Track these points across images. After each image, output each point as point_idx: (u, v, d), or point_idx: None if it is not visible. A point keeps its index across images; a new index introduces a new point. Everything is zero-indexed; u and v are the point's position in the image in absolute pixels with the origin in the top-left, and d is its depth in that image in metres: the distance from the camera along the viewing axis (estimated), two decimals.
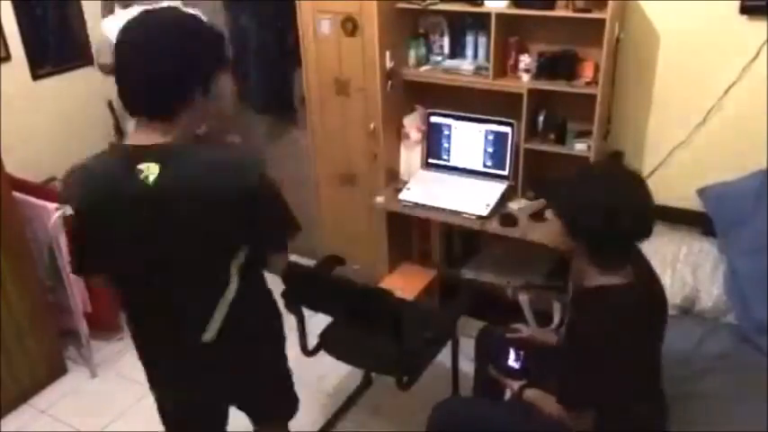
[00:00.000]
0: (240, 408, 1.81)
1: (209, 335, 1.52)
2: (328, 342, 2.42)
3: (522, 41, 2.75)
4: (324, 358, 2.40)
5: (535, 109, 2.71)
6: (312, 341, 2.44)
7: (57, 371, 2.91)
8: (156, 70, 1.35)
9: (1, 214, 2.52)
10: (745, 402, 2.03)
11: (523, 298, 2.81)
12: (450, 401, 2.17)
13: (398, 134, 3.01)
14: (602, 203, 1.60)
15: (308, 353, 2.44)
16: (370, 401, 2.77)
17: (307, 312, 2.83)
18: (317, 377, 2.85)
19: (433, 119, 2.94)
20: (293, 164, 3.29)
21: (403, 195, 2.86)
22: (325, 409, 2.71)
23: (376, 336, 2.19)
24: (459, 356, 2.47)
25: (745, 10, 2.43)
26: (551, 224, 1.76)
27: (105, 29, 2.81)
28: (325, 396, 2.79)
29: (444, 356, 2.41)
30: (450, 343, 2.43)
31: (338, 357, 2.40)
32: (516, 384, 1.90)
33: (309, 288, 2.31)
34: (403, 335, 2.08)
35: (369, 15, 2.68)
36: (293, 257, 2.04)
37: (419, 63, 2.92)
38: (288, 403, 1.87)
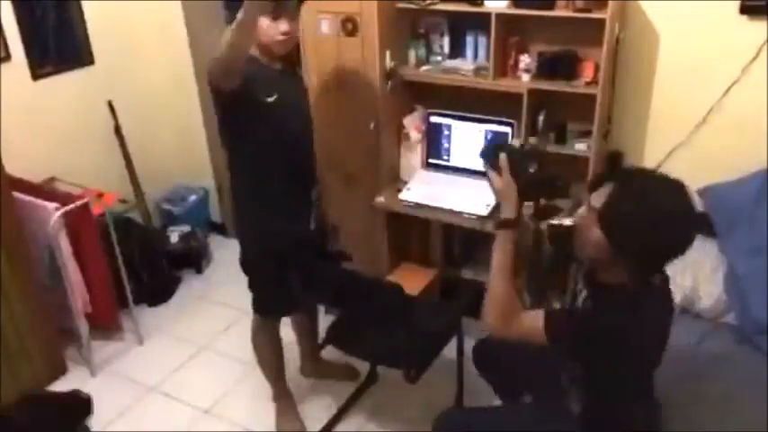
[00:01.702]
0: None
1: None
2: (336, 336, 2.41)
3: (522, 41, 2.75)
4: (328, 354, 2.38)
5: (535, 109, 2.71)
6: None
7: (57, 371, 2.90)
8: None
9: (1, 214, 2.52)
10: (745, 402, 2.03)
11: (523, 297, 2.80)
12: (454, 412, 2.17)
13: (398, 134, 3.01)
14: (653, 223, 1.49)
15: None
16: (374, 398, 2.76)
17: None
18: None
19: (433, 119, 2.94)
20: None
21: (403, 195, 2.86)
22: (329, 407, 2.70)
23: (385, 328, 2.19)
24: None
25: (745, 10, 2.43)
26: (589, 234, 1.59)
27: None
28: (329, 393, 2.77)
29: (445, 353, 2.42)
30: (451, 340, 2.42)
31: (346, 351, 2.40)
32: None
33: (317, 281, 2.31)
34: (413, 327, 2.10)
35: (369, 15, 2.67)
36: None
37: (419, 63, 2.92)
38: None
